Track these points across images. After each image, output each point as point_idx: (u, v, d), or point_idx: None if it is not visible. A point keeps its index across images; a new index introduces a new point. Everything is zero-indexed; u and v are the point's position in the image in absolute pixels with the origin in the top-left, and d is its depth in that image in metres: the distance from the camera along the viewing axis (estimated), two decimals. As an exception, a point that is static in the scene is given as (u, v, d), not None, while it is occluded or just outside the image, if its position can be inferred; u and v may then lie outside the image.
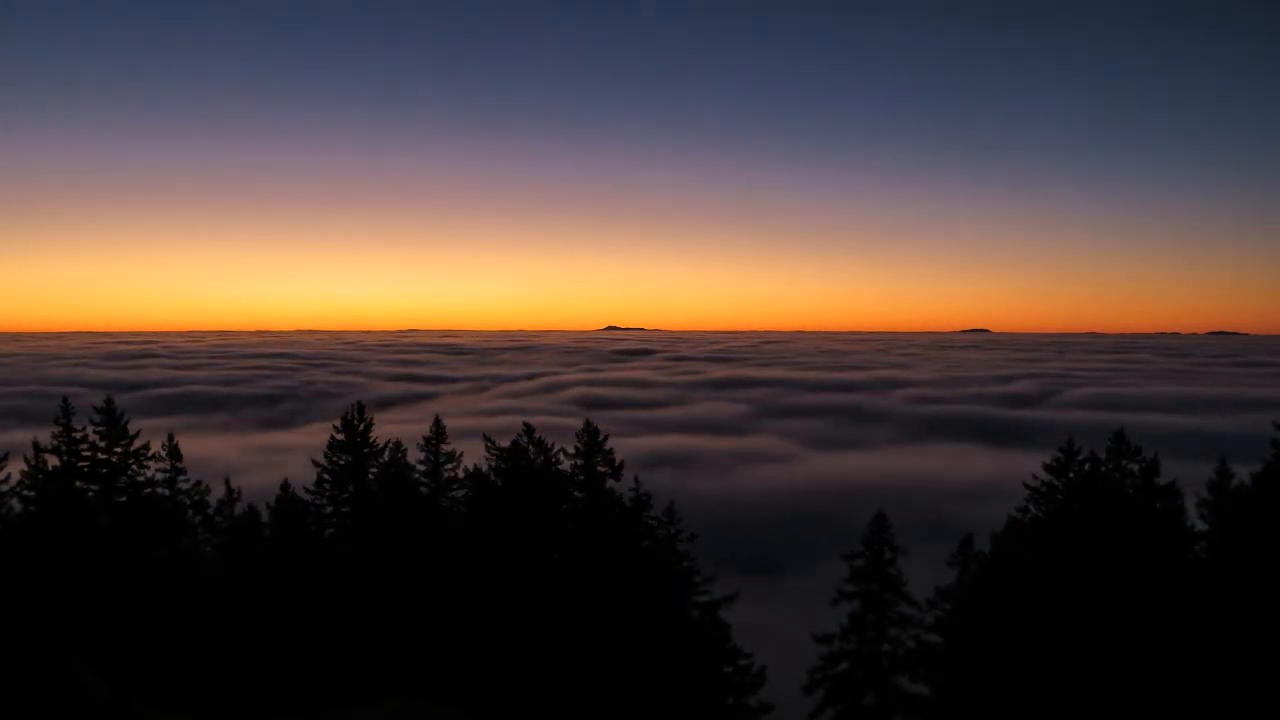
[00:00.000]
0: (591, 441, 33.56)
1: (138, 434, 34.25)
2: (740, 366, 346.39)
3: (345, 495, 35.04)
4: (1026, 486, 30.92)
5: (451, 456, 36.53)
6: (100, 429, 33.51)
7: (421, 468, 36.08)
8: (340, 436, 35.39)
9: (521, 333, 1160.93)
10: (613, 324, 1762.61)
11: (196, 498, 34.59)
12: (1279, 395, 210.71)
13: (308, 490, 34.67)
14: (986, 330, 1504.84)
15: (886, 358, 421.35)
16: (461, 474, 35.87)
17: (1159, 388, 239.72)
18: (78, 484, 33.16)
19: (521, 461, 33.46)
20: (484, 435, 35.48)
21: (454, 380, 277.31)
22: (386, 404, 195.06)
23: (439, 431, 36.64)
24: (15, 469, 33.01)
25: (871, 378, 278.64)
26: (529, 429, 34.19)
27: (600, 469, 33.49)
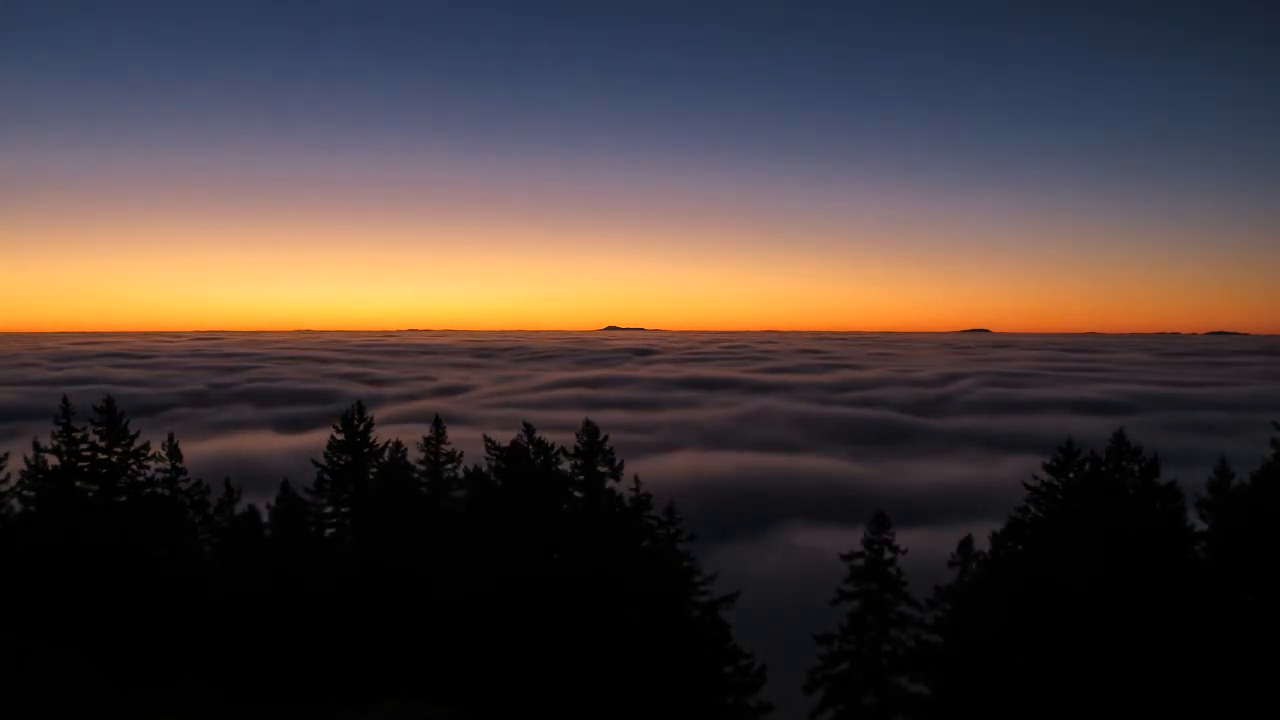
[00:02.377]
0: (591, 441, 33.55)
1: (138, 434, 34.25)
2: (707, 367, 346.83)
3: (345, 495, 35.04)
4: (1026, 486, 30.91)
5: (451, 457, 36.53)
6: (100, 429, 33.51)
7: (421, 468, 36.08)
8: (340, 436, 35.39)
9: (521, 332, 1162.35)
10: (613, 324, 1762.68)
11: (196, 498, 34.58)
12: (1186, 394, 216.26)
13: (308, 490, 34.67)
14: (987, 330, 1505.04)
15: (856, 358, 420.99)
16: (461, 474, 35.88)
17: (1083, 388, 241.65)
18: (78, 484, 33.16)
19: (521, 462, 33.45)
20: (484, 435, 35.47)
21: (402, 381, 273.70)
22: (300, 400, 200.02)
23: (439, 432, 36.64)
24: (15, 469, 33.02)
25: (825, 379, 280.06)
26: (529, 429, 34.16)
27: (600, 469, 33.49)
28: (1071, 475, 30.07)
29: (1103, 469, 29.83)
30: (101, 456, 33.47)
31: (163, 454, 34.54)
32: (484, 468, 34.38)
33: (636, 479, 32.85)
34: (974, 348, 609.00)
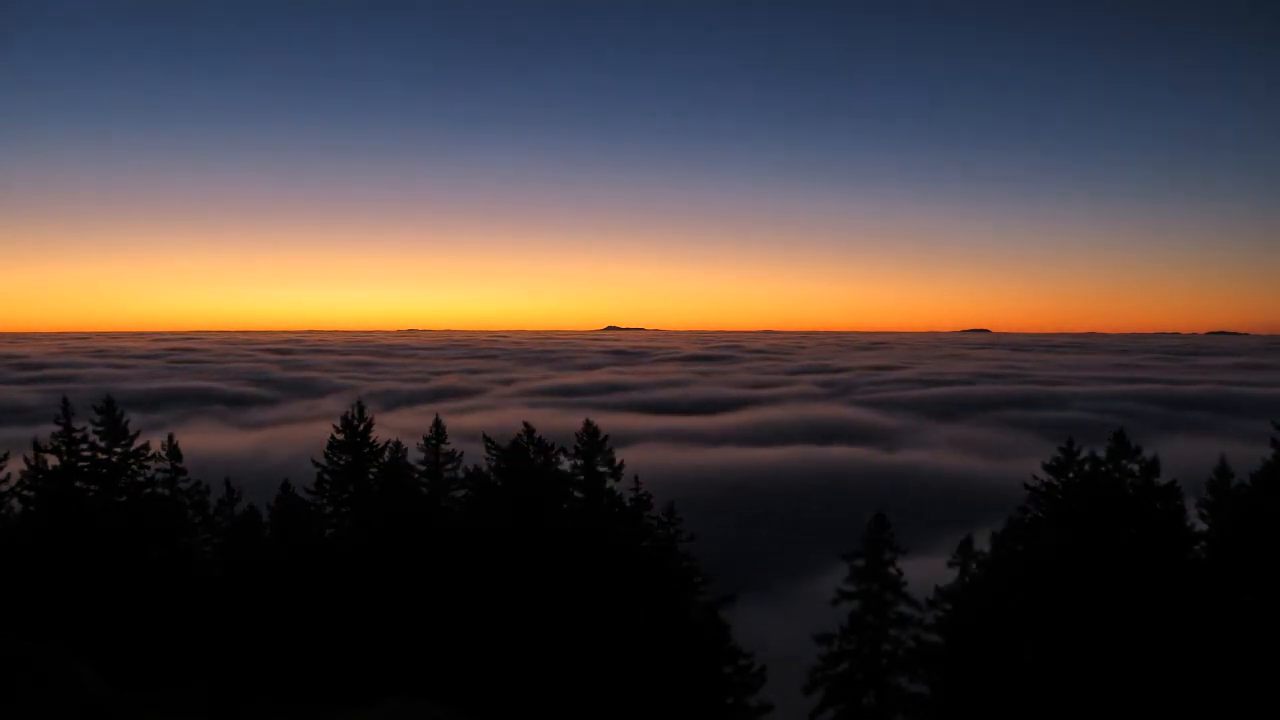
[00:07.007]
0: (591, 441, 33.56)
1: (137, 434, 34.24)
2: (643, 367, 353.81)
3: (345, 495, 35.04)
4: (1026, 486, 30.88)
5: (451, 457, 36.52)
6: (100, 429, 33.49)
7: (421, 468, 36.08)
8: (340, 436, 35.39)
9: (522, 333, 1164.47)
10: (613, 324, 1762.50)
11: (196, 498, 34.58)
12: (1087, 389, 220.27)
13: (308, 490, 34.67)
14: (987, 330, 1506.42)
15: (813, 360, 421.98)
16: (461, 474, 35.88)
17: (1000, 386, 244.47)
18: (78, 484, 33.15)
19: (521, 462, 33.45)
20: (484, 435, 35.48)
21: (395, 380, 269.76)
22: (154, 404, 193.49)
23: (439, 432, 36.65)
24: (15, 469, 33.01)
25: (766, 379, 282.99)
26: (529, 429, 34.17)
27: (600, 469, 33.50)
28: (1071, 475, 30.06)
29: (1103, 469, 29.79)
30: (101, 456, 33.46)
31: (163, 454, 34.55)
32: (484, 468, 34.39)
33: (637, 479, 32.88)
34: (947, 347, 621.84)
